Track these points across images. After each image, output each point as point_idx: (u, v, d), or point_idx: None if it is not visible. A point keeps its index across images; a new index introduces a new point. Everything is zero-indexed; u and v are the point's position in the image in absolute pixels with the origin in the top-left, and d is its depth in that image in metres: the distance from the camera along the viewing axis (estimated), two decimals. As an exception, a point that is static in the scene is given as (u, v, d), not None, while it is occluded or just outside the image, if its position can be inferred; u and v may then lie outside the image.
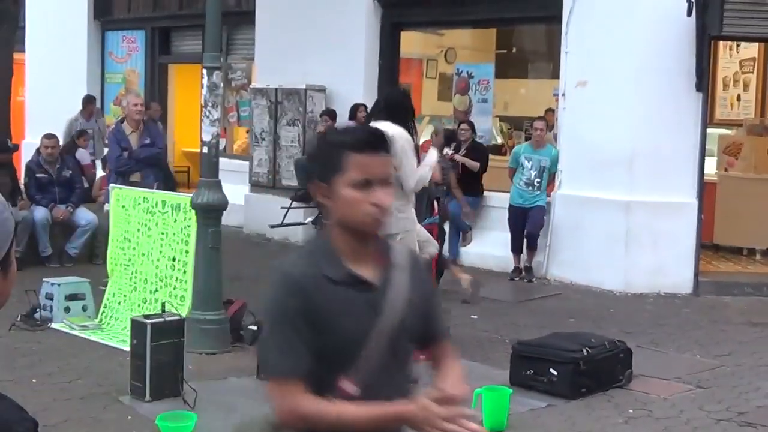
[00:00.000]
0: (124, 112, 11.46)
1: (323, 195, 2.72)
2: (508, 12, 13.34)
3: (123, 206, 9.06)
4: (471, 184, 12.47)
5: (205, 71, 8.22)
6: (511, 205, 11.94)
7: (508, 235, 11.96)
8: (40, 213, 11.79)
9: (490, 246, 12.35)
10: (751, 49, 15.87)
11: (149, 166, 10.86)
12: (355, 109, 13.74)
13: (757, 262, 12.88)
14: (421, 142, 14.31)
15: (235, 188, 13.39)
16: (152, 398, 6.70)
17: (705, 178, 11.82)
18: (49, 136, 12.18)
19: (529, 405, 6.96)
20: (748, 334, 9.46)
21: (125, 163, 10.78)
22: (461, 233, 12.54)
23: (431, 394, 2.62)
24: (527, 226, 11.86)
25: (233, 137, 17.46)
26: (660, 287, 11.25)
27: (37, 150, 12.23)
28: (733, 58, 16.24)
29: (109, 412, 6.60)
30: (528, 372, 7.31)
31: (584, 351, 7.26)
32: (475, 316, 9.89)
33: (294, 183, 13.35)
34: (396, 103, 7.48)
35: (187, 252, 8.35)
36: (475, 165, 12.46)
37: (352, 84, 14.18)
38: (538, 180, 11.76)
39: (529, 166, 11.76)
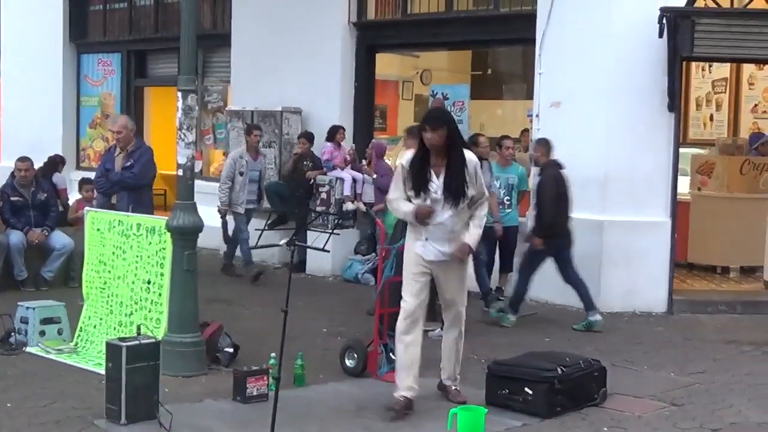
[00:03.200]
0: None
1: None
2: (482, 34, 13.44)
3: (98, 229, 9.05)
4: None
5: (180, 94, 8.23)
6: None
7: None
8: (15, 236, 11.76)
9: (466, 266, 12.36)
10: (722, 70, 16.03)
11: (125, 189, 10.79)
12: (334, 130, 13.77)
13: (731, 281, 12.99)
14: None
15: (212, 210, 13.38)
16: (128, 421, 6.67)
17: (678, 197, 11.93)
18: (23, 159, 12.14)
19: (504, 424, 6.98)
20: (722, 352, 9.54)
21: (102, 184, 10.80)
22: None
23: None
24: (504, 250, 11.86)
25: (209, 160, 17.46)
26: (634, 306, 11.33)
27: (12, 173, 12.22)
28: (705, 79, 16.40)
29: (85, 435, 6.59)
30: (503, 391, 7.34)
31: (559, 370, 7.29)
32: (451, 337, 9.91)
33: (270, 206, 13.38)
34: None
35: (162, 275, 8.35)
36: None
37: (328, 106, 14.24)
38: (508, 198, 11.78)
39: (498, 185, 11.79)
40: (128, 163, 10.47)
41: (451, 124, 7.27)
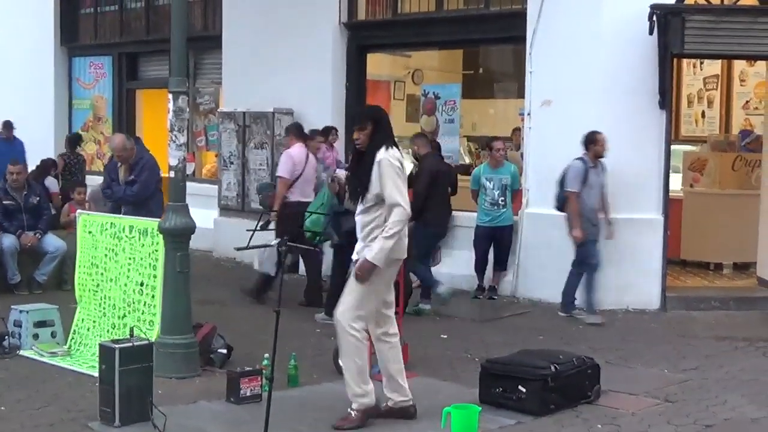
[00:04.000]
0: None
1: None
2: (473, 33, 13.44)
3: (90, 232, 9.04)
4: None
5: (171, 96, 8.23)
6: (478, 226, 12.01)
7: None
8: (8, 240, 11.76)
9: (459, 266, 12.39)
10: (714, 67, 16.05)
11: (126, 205, 10.87)
12: (327, 131, 13.74)
13: (724, 277, 13.01)
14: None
15: (205, 212, 13.39)
16: (121, 423, 6.67)
17: (671, 194, 11.95)
18: (15, 163, 12.15)
19: (498, 422, 6.99)
20: (715, 348, 9.56)
21: (108, 195, 11.15)
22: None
23: None
24: (498, 249, 11.93)
25: (202, 161, 17.45)
26: (628, 303, 11.33)
27: (4, 177, 12.19)
28: (697, 76, 16.42)
29: (78, 438, 6.59)
30: (497, 390, 7.34)
31: (552, 368, 7.30)
32: (445, 336, 9.95)
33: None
34: None
35: (155, 276, 8.33)
36: None
37: (320, 107, 14.22)
38: (502, 198, 11.84)
39: (491, 186, 11.83)
40: (131, 177, 10.67)
41: (379, 120, 6.93)
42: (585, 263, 10.84)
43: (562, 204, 11.02)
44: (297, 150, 11.73)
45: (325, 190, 10.58)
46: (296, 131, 12.11)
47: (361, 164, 6.85)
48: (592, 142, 10.81)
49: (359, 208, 6.84)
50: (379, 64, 15.74)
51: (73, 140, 17.03)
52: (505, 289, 12.07)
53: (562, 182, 10.95)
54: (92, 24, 19.12)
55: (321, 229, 9.96)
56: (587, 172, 10.75)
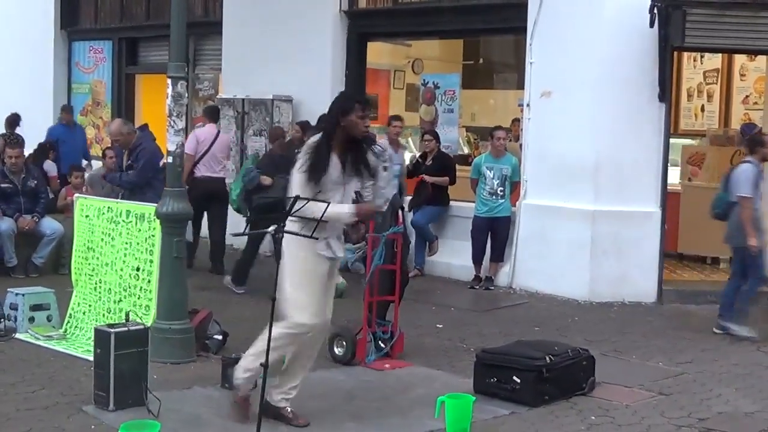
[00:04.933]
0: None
1: None
2: (474, 23, 13.41)
3: (87, 216, 9.03)
4: (436, 195, 12.54)
5: (169, 81, 8.22)
6: (476, 216, 12.01)
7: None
8: (5, 223, 11.75)
9: (456, 256, 12.40)
10: (714, 60, 16.05)
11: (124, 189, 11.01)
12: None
13: (721, 271, 12.99)
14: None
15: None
16: (116, 407, 6.68)
17: (669, 187, 11.95)
18: (13, 146, 12.13)
19: (492, 412, 7.00)
20: (711, 342, 9.57)
21: (112, 178, 11.52)
22: (427, 243, 12.59)
23: None
24: (496, 240, 11.94)
25: (201, 147, 17.40)
26: (624, 296, 11.33)
27: (2, 160, 12.18)
28: (697, 69, 16.42)
29: (73, 421, 6.58)
30: (491, 380, 7.35)
31: (547, 359, 7.31)
32: (441, 325, 9.95)
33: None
34: None
35: (151, 262, 8.33)
36: (444, 180, 12.53)
37: (319, 94, 14.11)
38: (501, 189, 11.85)
39: (491, 176, 11.84)
40: (128, 163, 10.73)
41: None
42: (753, 275, 9.82)
43: (725, 211, 10.01)
44: (204, 129, 12.91)
45: (246, 166, 11.43)
46: (209, 113, 13.27)
47: (366, 150, 6.63)
48: (760, 143, 9.90)
49: (354, 195, 6.54)
50: (379, 53, 15.73)
51: (13, 121, 16.70)
52: (502, 280, 12.07)
53: (725, 187, 10.01)
54: (93, 8, 19.07)
55: (235, 205, 11.02)
56: (758, 175, 9.77)
